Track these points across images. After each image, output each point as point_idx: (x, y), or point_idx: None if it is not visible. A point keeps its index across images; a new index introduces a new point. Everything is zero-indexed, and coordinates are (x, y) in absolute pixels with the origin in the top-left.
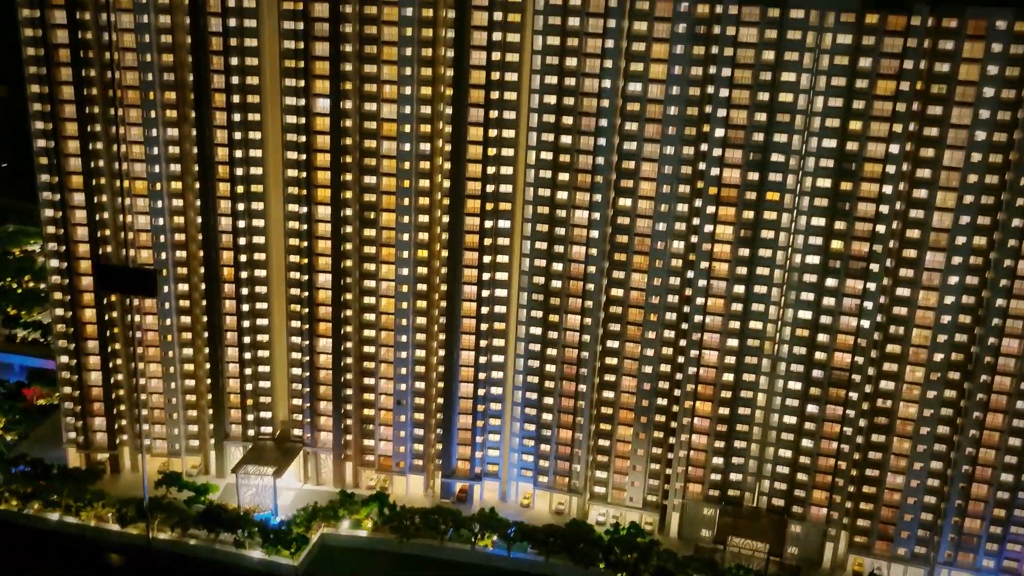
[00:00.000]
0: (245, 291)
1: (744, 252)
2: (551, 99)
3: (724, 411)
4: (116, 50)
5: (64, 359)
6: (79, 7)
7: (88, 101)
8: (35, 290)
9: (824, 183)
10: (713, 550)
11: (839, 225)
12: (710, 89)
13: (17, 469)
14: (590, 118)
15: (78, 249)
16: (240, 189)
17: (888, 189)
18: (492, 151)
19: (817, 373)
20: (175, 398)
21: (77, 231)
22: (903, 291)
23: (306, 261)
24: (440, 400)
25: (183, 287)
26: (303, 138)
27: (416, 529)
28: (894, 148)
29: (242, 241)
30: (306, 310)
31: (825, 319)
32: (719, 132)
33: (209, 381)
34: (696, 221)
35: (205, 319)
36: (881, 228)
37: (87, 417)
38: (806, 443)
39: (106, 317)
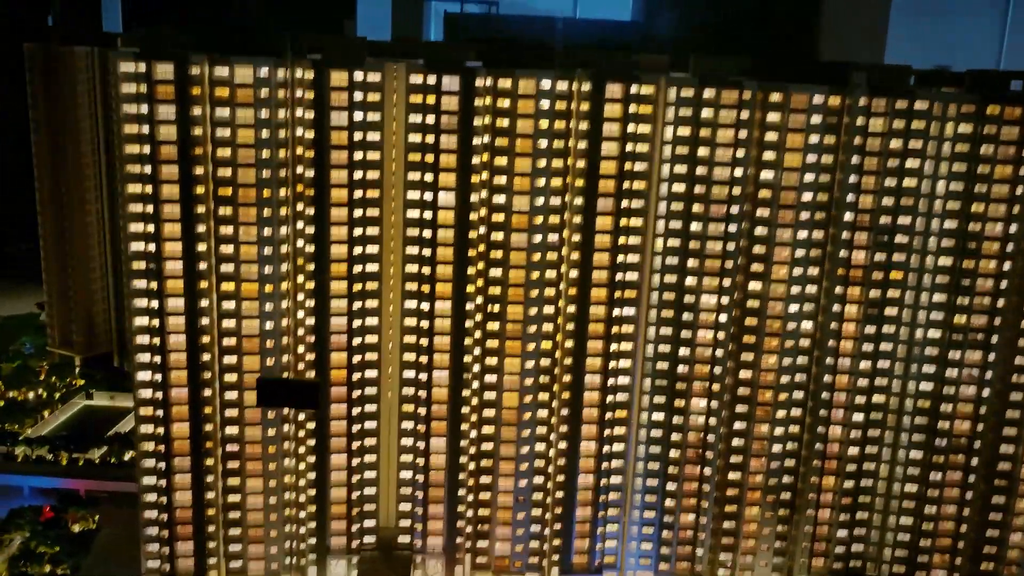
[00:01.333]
0: (356, 394)
1: (870, 329)
2: (680, 187)
3: (848, 484)
4: (234, 146)
5: (149, 480)
6: (189, 103)
7: (192, 200)
8: (19, 401)
9: (946, 261)
10: None
11: (961, 300)
12: (839, 175)
13: None
14: (721, 205)
15: (171, 359)
16: (357, 287)
17: (1007, 266)
18: (622, 240)
19: (939, 441)
20: (274, 514)
21: (170, 339)
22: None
23: (425, 359)
24: (558, 494)
25: None
26: (427, 232)
27: None
28: (1013, 228)
29: (356, 341)
30: (422, 409)
31: (948, 389)
32: (848, 216)
33: (312, 492)
34: (824, 301)
35: (311, 426)
36: (1001, 302)
37: (174, 542)
38: (928, 509)
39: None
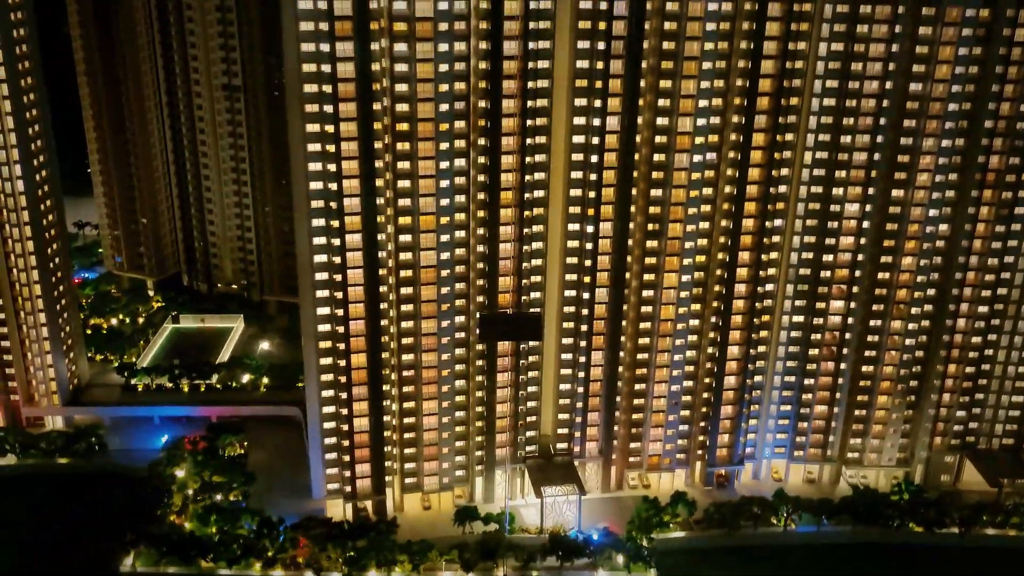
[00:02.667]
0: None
1: (1000, 228)
2: (831, 102)
3: (970, 369)
4: (413, 80)
5: (329, 409)
6: (368, 39)
7: (371, 136)
8: (109, 329)
9: None
10: (954, 493)
11: None
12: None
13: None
14: (867, 117)
15: (350, 293)
16: (527, 214)
17: None
18: (776, 155)
19: None
20: (447, 432)
21: (350, 275)
22: None
23: (588, 279)
24: (705, 395)
25: (460, 319)
26: (594, 157)
27: (732, 520)
28: None
29: (524, 266)
30: (583, 326)
31: None
32: (988, 123)
33: (479, 409)
34: (958, 205)
35: (479, 347)
36: None
37: (354, 464)
38: None
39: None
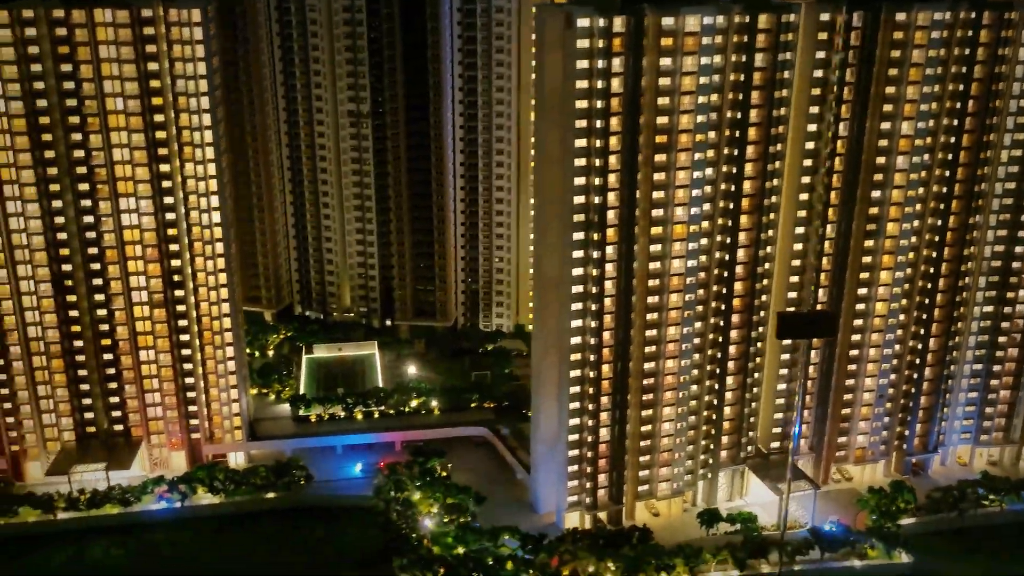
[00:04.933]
0: (755, 318)
1: None
2: None
3: None
4: (677, 93)
5: (575, 421)
6: (640, 55)
7: (633, 149)
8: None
9: None
10: None
11: None
12: None
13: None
14: None
15: (605, 305)
16: (764, 219)
17: None
18: (982, 155)
19: None
20: (680, 437)
21: (605, 285)
22: None
23: (813, 281)
24: (904, 386)
25: (698, 325)
26: (827, 163)
27: (956, 504)
28: None
29: (759, 270)
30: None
31: None
32: None
33: (706, 413)
34: None
35: (710, 352)
36: None
37: (596, 475)
38: None
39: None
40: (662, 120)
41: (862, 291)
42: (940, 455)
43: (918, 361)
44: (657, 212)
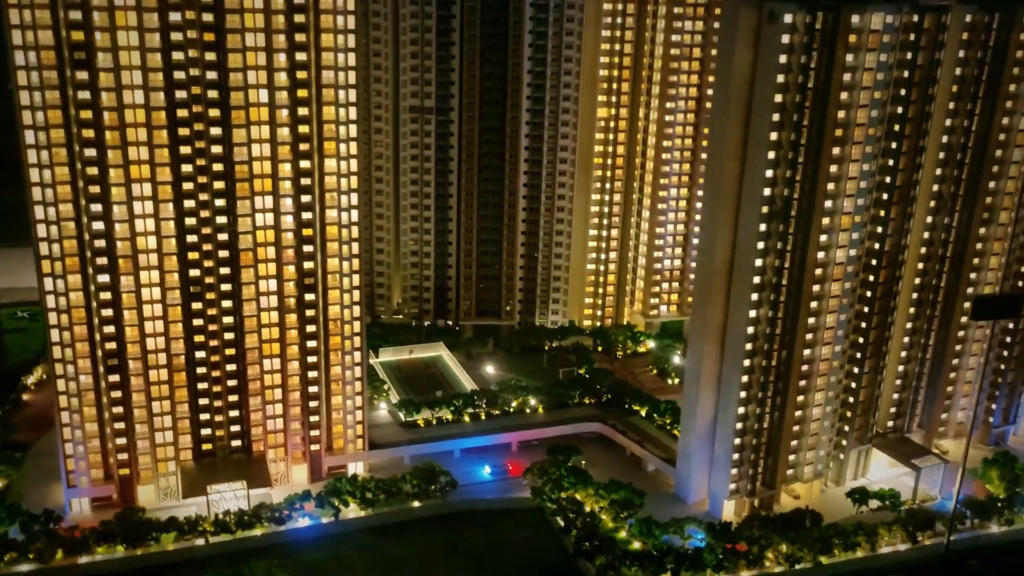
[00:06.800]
0: (892, 304)
1: None
2: None
3: None
4: (857, 89)
5: (741, 409)
6: (832, 50)
7: (820, 143)
8: None
9: None
10: None
11: None
12: None
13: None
14: None
15: (781, 293)
16: (908, 210)
17: None
18: None
19: None
20: (827, 421)
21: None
22: None
23: (937, 267)
24: (996, 364)
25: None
26: (958, 156)
27: None
28: None
29: (900, 258)
30: (927, 310)
31: None
32: None
33: (843, 396)
34: None
35: (851, 338)
36: None
37: (757, 462)
38: None
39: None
40: (841, 115)
41: (973, 276)
42: (1015, 427)
43: (1009, 340)
44: (828, 203)
